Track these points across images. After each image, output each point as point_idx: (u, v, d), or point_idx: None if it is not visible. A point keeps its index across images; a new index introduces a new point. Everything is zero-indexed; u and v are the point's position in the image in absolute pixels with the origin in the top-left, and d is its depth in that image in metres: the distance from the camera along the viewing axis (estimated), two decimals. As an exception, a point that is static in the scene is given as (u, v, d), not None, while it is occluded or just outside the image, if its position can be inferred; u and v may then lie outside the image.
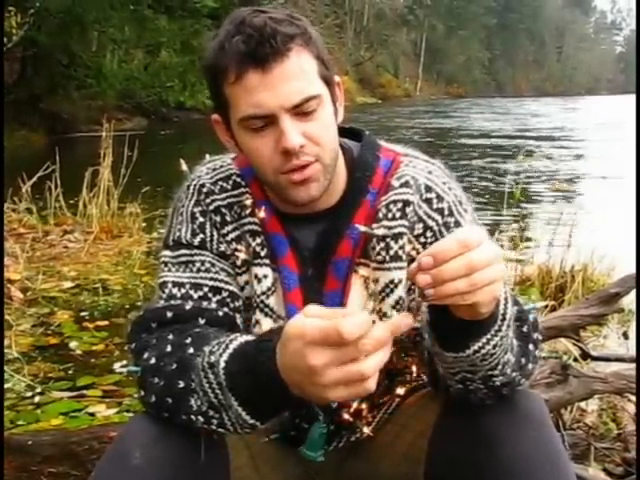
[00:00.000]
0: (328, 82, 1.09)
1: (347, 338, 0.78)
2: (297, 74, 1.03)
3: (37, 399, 2.52)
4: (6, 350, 2.84)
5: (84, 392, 2.58)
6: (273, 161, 1.06)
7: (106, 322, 3.35)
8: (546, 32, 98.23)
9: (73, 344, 3.07)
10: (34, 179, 5.25)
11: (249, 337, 0.98)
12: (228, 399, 0.94)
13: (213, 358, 0.96)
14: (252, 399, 0.93)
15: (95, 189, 5.34)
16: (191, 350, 1.00)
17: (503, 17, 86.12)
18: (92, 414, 2.42)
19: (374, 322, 0.83)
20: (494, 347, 0.94)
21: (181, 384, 0.98)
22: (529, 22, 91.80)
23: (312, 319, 0.82)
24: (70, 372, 2.79)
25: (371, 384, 0.82)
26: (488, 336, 0.92)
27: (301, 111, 1.04)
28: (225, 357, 0.95)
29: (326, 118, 1.08)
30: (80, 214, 5.38)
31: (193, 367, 0.98)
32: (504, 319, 0.93)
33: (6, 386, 2.56)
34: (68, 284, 4.01)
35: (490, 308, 0.88)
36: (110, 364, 2.82)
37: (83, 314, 3.50)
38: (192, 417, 0.98)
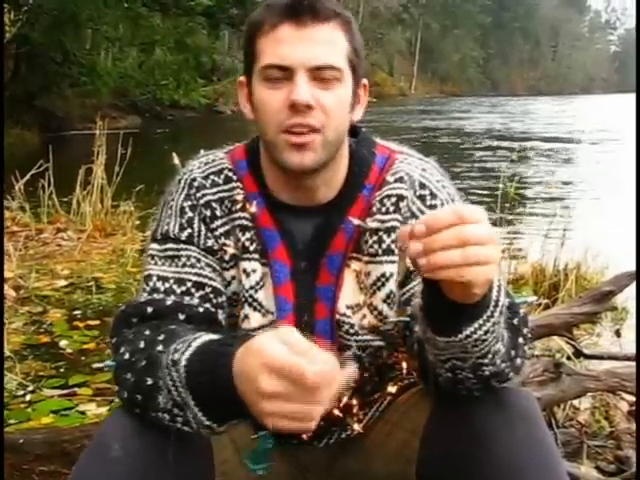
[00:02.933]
0: (355, 71, 1.12)
1: (309, 386, 0.76)
2: (327, 41, 1.07)
3: (28, 397, 2.51)
4: (-2, 348, 2.82)
5: (76, 390, 2.57)
6: (279, 116, 1.07)
7: (97, 321, 3.32)
8: (541, 31, 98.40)
9: (63, 343, 3.05)
10: (27, 177, 5.23)
11: (214, 336, 0.97)
12: (187, 399, 0.94)
13: (176, 356, 0.95)
14: (209, 401, 0.92)
15: (89, 187, 5.32)
16: (160, 347, 0.99)
17: (498, 16, 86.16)
18: (83, 412, 2.41)
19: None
20: (486, 333, 0.93)
21: (149, 381, 0.98)
22: (524, 21, 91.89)
23: (280, 345, 0.79)
24: (62, 370, 2.78)
25: (314, 425, 0.80)
26: (480, 321, 0.92)
27: (319, 76, 1.06)
28: (187, 355, 0.94)
29: (342, 96, 1.10)
30: (73, 212, 5.36)
31: (160, 365, 0.97)
32: (497, 305, 0.93)
33: (-3, 385, 2.55)
34: (61, 282, 3.99)
35: (483, 290, 0.87)
36: (101, 363, 2.81)
37: (76, 313, 3.48)
38: (159, 414, 0.97)
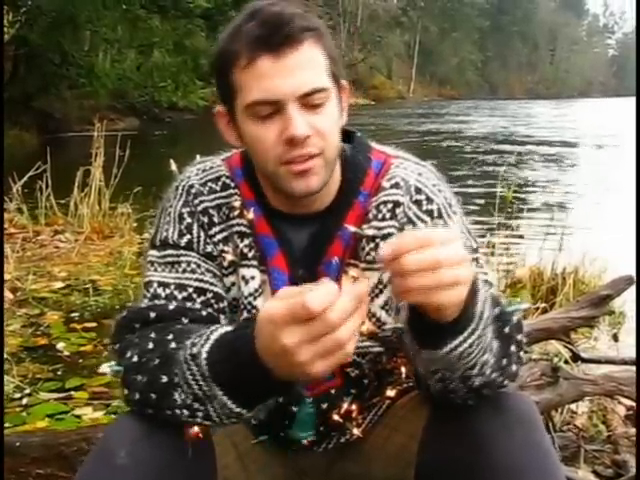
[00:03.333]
0: (336, 82, 1.10)
1: (313, 311, 0.79)
2: (309, 64, 1.04)
3: (25, 401, 2.50)
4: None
5: (72, 394, 2.56)
6: (276, 150, 1.05)
7: (94, 323, 3.32)
8: (539, 34, 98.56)
9: (60, 345, 3.05)
10: (25, 178, 5.23)
11: (230, 328, 0.98)
12: (212, 389, 0.94)
13: (195, 350, 0.95)
14: (236, 386, 0.93)
15: (86, 189, 5.32)
16: (173, 345, 1.00)
17: (496, 19, 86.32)
18: (78, 416, 2.40)
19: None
20: (470, 346, 0.94)
21: (164, 379, 0.98)
22: (522, 24, 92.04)
23: (281, 301, 0.83)
24: (59, 373, 2.77)
25: (349, 349, 0.83)
26: (465, 335, 0.93)
27: (309, 102, 1.04)
28: (207, 347, 0.95)
29: (332, 114, 1.08)
30: (71, 214, 5.35)
31: (175, 361, 0.97)
32: (481, 319, 0.94)
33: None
34: (58, 284, 3.99)
35: (455, 311, 0.89)
36: (99, 365, 2.80)
37: (73, 315, 3.47)
38: (177, 411, 0.97)
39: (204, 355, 0.94)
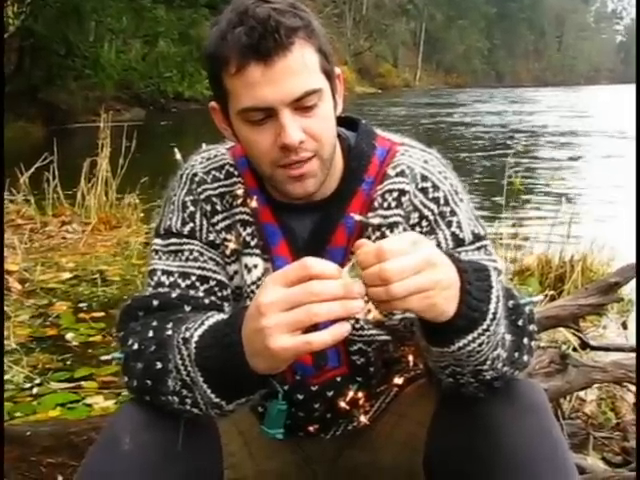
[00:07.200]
0: (329, 75, 1.07)
1: (307, 266, 0.83)
2: (299, 68, 1.01)
3: (35, 390, 2.52)
4: (5, 341, 2.83)
5: (82, 383, 2.58)
6: (271, 154, 1.05)
7: (103, 313, 3.33)
8: (546, 21, 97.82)
9: (69, 335, 3.06)
10: (32, 170, 5.24)
11: (225, 316, 0.99)
12: (195, 374, 0.95)
13: (188, 334, 0.97)
14: (216, 374, 0.94)
15: (93, 180, 5.33)
16: (169, 332, 1.01)
17: (503, 6, 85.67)
18: (89, 405, 2.41)
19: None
20: (480, 345, 0.94)
21: (159, 365, 0.99)
22: (529, 11, 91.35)
23: (268, 290, 0.87)
24: (68, 363, 2.78)
25: (318, 338, 0.83)
26: (475, 334, 0.93)
27: (301, 105, 1.03)
28: (199, 332, 0.96)
29: (326, 112, 1.07)
30: (78, 205, 5.37)
31: (170, 345, 0.98)
32: (494, 318, 0.93)
33: (5, 377, 2.55)
34: (66, 275, 4.00)
35: (438, 313, 0.89)
36: (108, 355, 2.80)
37: (81, 305, 3.49)
38: (169, 398, 0.98)
39: (195, 339, 0.95)
